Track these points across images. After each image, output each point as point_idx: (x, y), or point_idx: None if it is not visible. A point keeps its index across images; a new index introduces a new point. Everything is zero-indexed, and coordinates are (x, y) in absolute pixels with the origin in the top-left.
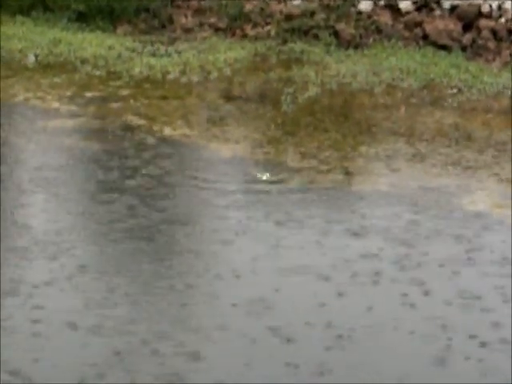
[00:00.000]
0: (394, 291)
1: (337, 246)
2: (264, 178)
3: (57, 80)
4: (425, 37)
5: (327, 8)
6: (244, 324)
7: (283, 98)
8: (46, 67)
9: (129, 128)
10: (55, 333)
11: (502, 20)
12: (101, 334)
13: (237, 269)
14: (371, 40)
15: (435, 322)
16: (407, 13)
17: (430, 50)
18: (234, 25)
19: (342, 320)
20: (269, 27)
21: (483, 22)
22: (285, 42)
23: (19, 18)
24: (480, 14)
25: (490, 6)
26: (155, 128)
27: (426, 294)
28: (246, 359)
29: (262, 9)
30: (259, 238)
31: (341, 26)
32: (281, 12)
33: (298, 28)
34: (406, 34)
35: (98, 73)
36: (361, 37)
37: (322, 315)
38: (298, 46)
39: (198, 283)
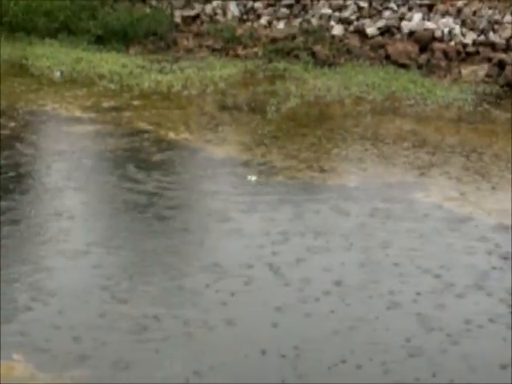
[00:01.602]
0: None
1: (315, 223)
2: (253, 179)
3: (79, 92)
4: (387, 57)
5: (306, 32)
6: None
7: (268, 108)
8: (69, 82)
9: (139, 132)
10: None
11: (452, 43)
12: None
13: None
14: (342, 59)
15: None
16: (372, 37)
17: (391, 68)
18: (228, 46)
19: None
20: (256, 48)
21: (436, 45)
22: (270, 60)
23: (47, 40)
24: (434, 38)
25: (442, 31)
26: (161, 133)
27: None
28: None
29: (251, 33)
30: (245, 220)
31: (317, 48)
32: (267, 36)
33: (281, 49)
34: (372, 54)
35: (113, 86)
36: (334, 57)
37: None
38: (281, 64)
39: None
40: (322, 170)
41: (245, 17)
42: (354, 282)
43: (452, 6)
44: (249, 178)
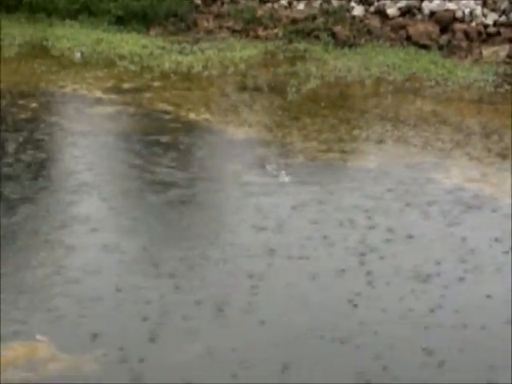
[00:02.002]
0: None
1: (335, 204)
2: (286, 179)
3: (99, 73)
4: (408, 38)
5: (326, 13)
6: None
7: (289, 88)
8: (90, 63)
9: (160, 113)
10: None
11: (473, 24)
12: None
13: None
14: (363, 40)
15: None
16: (393, 17)
17: (412, 48)
18: (248, 27)
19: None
20: (277, 29)
21: (457, 26)
22: (290, 41)
23: (68, 21)
24: (455, 19)
25: (463, 11)
26: (182, 114)
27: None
28: None
29: (271, 14)
30: (265, 201)
31: (337, 29)
32: (287, 17)
33: (301, 30)
34: (392, 35)
35: (133, 67)
36: (354, 37)
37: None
38: (301, 45)
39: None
40: (343, 151)
41: None
42: (377, 258)
43: None
44: (281, 178)
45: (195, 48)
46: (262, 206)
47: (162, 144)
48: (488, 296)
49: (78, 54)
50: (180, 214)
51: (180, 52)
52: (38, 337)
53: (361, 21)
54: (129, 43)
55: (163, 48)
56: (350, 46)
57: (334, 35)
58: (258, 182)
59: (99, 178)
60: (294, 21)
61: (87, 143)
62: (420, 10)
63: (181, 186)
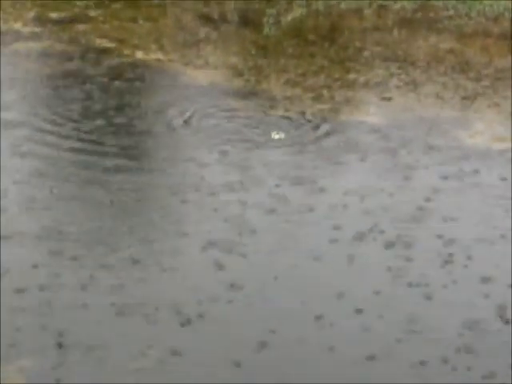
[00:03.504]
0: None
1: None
2: (277, 136)
3: None
4: None
5: None
6: None
7: (265, 19)
8: None
9: (97, 52)
10: None
11: None
12: None
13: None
14: None
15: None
16: None
17: None
18: None
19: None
20: None
21: None
22: None
23: None
24: None
25: None
26: (126, 52)
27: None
28: None
29: None
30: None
31: None
32: None
33: None
34: None
35: None
36: None
37: None
38: None
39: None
40: (335, 102)
41: None
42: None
43: None
44: (274, 135)
45: None
46: (224, 171)
47: (101, 91)
48: None
49: None
50: (123, 173)
51: None
52: None
53: None
54: None
55: None
56: None
57: None
58: (223, 141)
59: (20, 134)
60: None
61: (4, 91)
62: None
63: (122, 146)
